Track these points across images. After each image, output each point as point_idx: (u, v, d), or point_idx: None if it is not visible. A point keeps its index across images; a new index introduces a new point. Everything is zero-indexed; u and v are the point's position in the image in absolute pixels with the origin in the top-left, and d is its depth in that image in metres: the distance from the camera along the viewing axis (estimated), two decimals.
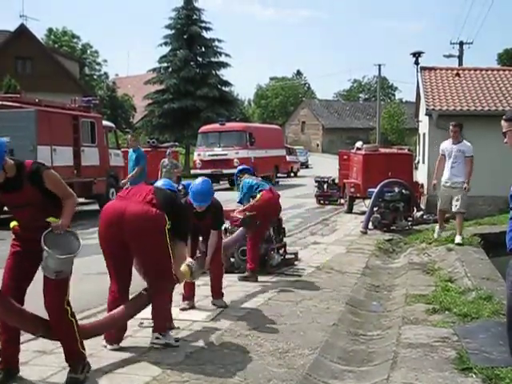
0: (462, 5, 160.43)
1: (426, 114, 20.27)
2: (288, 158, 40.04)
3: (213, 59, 47.55)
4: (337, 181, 22.81)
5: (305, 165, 52.66)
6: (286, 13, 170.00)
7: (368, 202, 17.27)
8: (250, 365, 5.49)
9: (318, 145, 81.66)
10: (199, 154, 31.07)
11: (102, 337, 5.92)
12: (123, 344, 5.98)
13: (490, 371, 5.44)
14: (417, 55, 27.18)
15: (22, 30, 40.62)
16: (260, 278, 9.16)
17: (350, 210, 19.69)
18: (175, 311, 6.91)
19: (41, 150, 15.76)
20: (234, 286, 8.75)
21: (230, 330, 6.51)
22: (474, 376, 5.42)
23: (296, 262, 10.61)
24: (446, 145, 12.15)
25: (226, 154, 30.24)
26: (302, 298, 8.09)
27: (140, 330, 6.49)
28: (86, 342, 5.87)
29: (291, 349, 6.02)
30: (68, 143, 17.47)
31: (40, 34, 52.18)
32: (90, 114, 19.42)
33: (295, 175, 42.86)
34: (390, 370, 5.57)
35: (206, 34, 47.49)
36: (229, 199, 12.24)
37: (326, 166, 42.75)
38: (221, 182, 32.78)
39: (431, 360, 5.75)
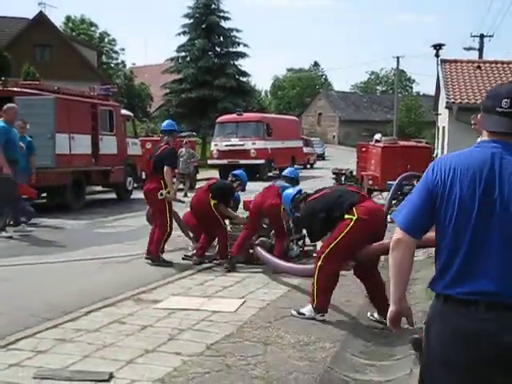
0: None
1: (446, 107, 20.11)
2: (305, 149, 39.86)
3: (231, 49, 47.42)
4: (354, 173, 22.67)
5: (321, 157, 52.48)
6: (303, 3, 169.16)
7: (385, 194, 17.12)
8: (271, 357, 5.42)
9: (334, 136, 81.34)
10: (216, 144, 30.95)
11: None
12: (142, 334, 5.94)
13: None
14: (437, 47, 26.77)
15: (41, 18, 40.63)
16: None
17: None
18: (199, 301, 6.88)
19: (59, 137, 15.72)
20: (252, 278, 8.71)
21: (251, 321, 6.45)
22: None
23: (314, 254, 10.51)
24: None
25: (242, 145, 30.12)
26: None
27: (160, 319, 6.45)
28: (107, 330, 5.88)
29: (312, 342, 5.95)
30: (86, 131, 17.42)
31: (58, 21, 52.25)
32: (109, 102, 19.38)
33: (312, 167, 42.72)
34: (412, 364, 5.49)
35: (225, 24, 47.39)
36: (248, 190, 12.10)
37: (343, 158, 42.60)
38: None
39: None
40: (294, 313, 6.73)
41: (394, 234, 2.98)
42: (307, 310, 6.70)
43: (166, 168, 9.52)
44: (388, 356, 6.01)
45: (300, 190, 8.25)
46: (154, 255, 9.54)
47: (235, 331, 6.08)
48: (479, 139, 2.96)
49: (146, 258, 9.65)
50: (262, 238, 9.66)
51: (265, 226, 10.03)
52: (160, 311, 6.76)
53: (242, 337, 5.92)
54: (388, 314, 3.12)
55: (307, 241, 10.78)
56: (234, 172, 10.74)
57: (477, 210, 2.75)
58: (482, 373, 2.72)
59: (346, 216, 6.51)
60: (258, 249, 9.21)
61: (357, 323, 6.87)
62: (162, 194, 9.52)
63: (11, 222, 12.08)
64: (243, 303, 7.19)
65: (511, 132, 2.79)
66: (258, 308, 6.99)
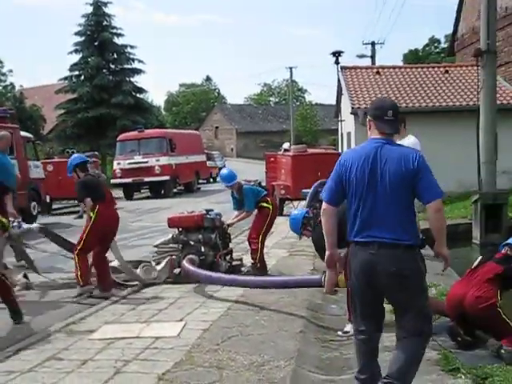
0: (368, 9, 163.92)
1: (352, 113, 20.27)
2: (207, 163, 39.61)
3: (126, 66, 46.55)
4: (264, 183, 22.52)
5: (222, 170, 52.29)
6: (189, 19, 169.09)
7: (296, 203, 17.04)
8: (228, 383, 5.05)
9: (232, 149, 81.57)
10: (119, 163, 30.11)
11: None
12: (84, 369, 5.43)
13: (480, 370, 5.26)
14: (337, 55, 27.03)
15: None
16: (212, 287, 8.69)
17: (280, 213, 19.38)
18: (137, 327, 6.41)
19: None
20: (186, 298, 8.28)
21: (198, 345, 6.03)
22: (462, 377, 5.21)
23: (242, 268, 10.21)
24: None
25: (146, 162, 29.47)
26: (261, 305, 7.69)
27: (99, 351, 5.94)
28: (43, 369, 5.37)
29: (266, 361, 5.62)
30: None
31: None
32: (7, 124, 18.35)
33: (215, 181, 42.43)
34: None
35: (118, 40, 46.49)
36: (156, 207, 11.69)
37: (244, 169, 42.40)
38: (142, 191, 32.07)
39: None
40: (340, 333, 6.77)
41: (322, 205, 4.56)
42: (349, 327, 6.45)
43: None
44: (346, 369, 5.76)
45: (307, 212, 7.71)
46: None
47: (184, 357, 5.66)
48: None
49: None
50: (190, 256, 9.26)
51: (192, 242, 9.64)
52: (97, 342, 6.24)
53: (192, 363, 5.51)
54: (325, 258, 4.69)
55: (234, 255, 10.50)
56: None
57: (367, 184, 4.32)
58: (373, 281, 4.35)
59: None
60: (187, 266, 8.79)
61: (304, 337, 6.58)
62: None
63: None
64: (184, 326, 6.75)
65: (393, 132, 4.49)
66: (202, 330, 6.57)
